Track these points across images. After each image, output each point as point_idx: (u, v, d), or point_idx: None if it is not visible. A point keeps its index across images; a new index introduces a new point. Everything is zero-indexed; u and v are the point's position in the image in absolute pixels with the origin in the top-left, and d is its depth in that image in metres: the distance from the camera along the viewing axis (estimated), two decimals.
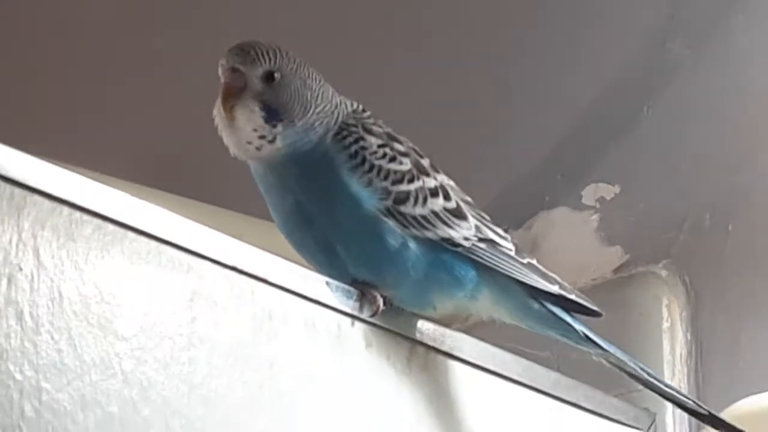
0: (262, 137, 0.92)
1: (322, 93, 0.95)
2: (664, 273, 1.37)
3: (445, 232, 0.95)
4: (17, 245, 0.69)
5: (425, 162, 0.97)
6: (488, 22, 1.46)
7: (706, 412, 1.03)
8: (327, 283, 0.89)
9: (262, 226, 1.09)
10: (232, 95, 0.92)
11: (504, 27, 1.46)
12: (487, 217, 0.99)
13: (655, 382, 1.03)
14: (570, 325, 1.00)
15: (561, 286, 0.99)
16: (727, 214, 1.34)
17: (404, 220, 0.93)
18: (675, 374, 1.32)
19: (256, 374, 0.81)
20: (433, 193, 0.96)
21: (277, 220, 0.95)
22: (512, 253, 0.98)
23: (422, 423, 0.95)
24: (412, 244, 0.93)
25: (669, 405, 1.21)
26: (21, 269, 0.69)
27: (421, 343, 0.96)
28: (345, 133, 0.94)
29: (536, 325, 1.00)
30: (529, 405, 1.05)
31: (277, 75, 0.93)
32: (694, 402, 1.04)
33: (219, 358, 0.79)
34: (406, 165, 0.95)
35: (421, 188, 0.95)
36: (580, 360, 1.10)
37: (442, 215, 0.95)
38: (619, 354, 1.02)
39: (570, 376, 1.10)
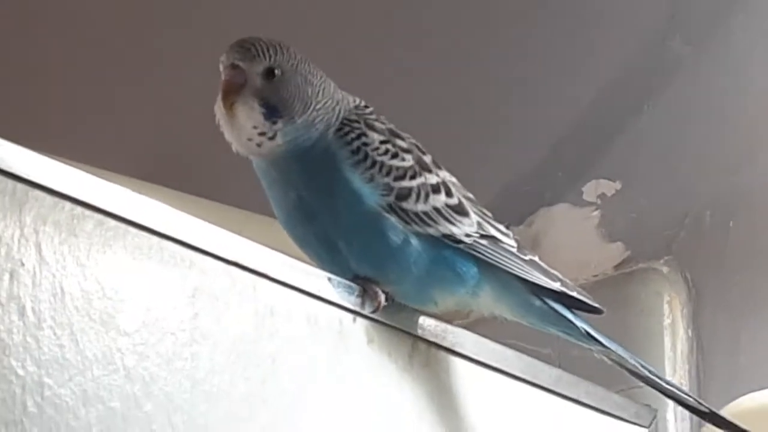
0: (262, 134, 0.92)
1: (323, 89, 0.95)
2: (665, 269, 1.37)
3: (446, 228, 0.95)
4: (19, 240, 0.69)
5: (427, 158, 0.97)
6: (489, 20, 1.46)
7: (706, 409, 1.03)
8: (329, 279, 0.89)
9: (263, 222, 1.09)
10: (233, 92, 0.92)
11: (505, 25, 1.47)
12: (489, 214, 0.99)
13: (656, 380, 1.03)
14: (571, 322, 1.00)
15: (562, 283, 0.99)
16: (727, 210, 1.34)
17: (406, 217, 0.93)
18: (676, 371, 1.33)
19: (258, 370, 0.81)
20: (435, 189, 0.96)
21: (279, 216, 0.96)
22: (514, 250, 0.98)
23: (424, 419, 0.95)
24: (413, 241, 0.93)
25: (670, 402, 1.21)
26: (23, 264, 0.69)
27: (423, 339, 0.95)
28: (347, 129, 0.94)
29: (538, 321, 1.01)
30: (531, 401, 1.05)
31: (277, 71, 0.92)
32: (694, 399, 1.04)
33: (221, 354, 0.79)
34: (409, 161, 0.95)
35: (423, 184, 0.95)
36: (582, 357, 1.10)
37: (444, 212, 0.95)
38: (620, 351, 1.02)
39: (571, 373, 1.10)
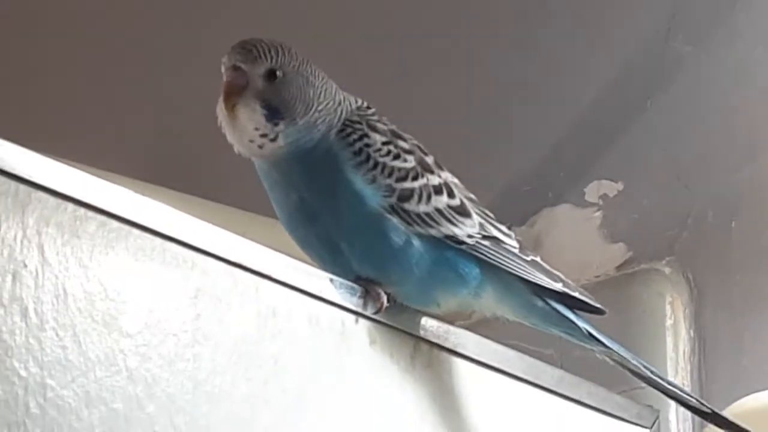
0: (263, 136, 0.92)
1: (325, 90, 0.95)
2: (667, 270, 1.37)
3: (449, 229, 0.95)
4: (22, 242, 0.69)
5: (429, 159, 0.97)
6: (491, 20, 1.46)
7: (709, 410, 1.03)
8: (331, 280, 0.89)
9: (266, 223, 1.09)
10: (234, 94, 0.92)
11: (507, 26, 1.47)
12: (491, 215, 0.99)
13: (658, 380, 1.03)
14: (573, 322, 1.00)
15: (565, 284, 0.99)
16: (730, 211, 1.34)
17: (408, 218, 0.93)
18: (678, 371, 1.33)
19: (260, 371, 0.81)
20: (437, 190, 0.96)
21: (281, 217, 0.96)
22: (516, 251, 0.98)
23: (426, 420, 0.95)
24: (416, 242, 0.93)
25: (672, 402, 1.21)
26: (26, 266, 0.69)
27: (425, 340, 0.96)
28: (349, 130, 0.94)
29: (540, 322, 1.01)
30: (533, 402, 1.05)
31: (278, 73, 0.92)
32: (697, 400, 1.04)
33: (223, 355, 0.79)
34: (411, 162, 0.95)
35: (425, 186, 0.95)
36: (584, 357, 1.10)
37: (446, 213, 0.95)
38: (622, 351, 1.02)
39: (573, 374, 1.10)
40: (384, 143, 0.94)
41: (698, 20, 1.38)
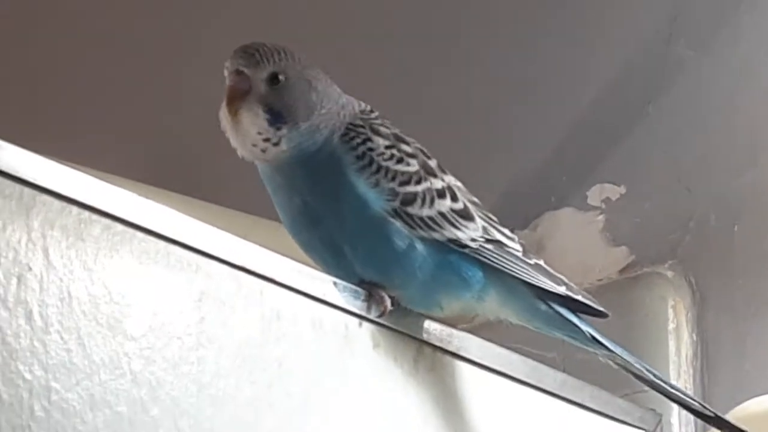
0: (266, 140, 0.92)
1: (328, 94, 0.95)
2: (669, 274, 1.37)
3: (452, 233, 0.95)
4: (27, 245, 0.69)
5: (432, 163, 0.97)
6: (493, 22, 1.46)
7: (711, 414, 1.03)
8: (335, 284, 0.89)
9: (269, 227, 1.09)
10: (237, 98, 0.92)
11: (508, 28, 1.47)
12: (495, 218, 0.99)
13: (662, 384, 1.03)
14: (577, 326, 1.00)
15: (568, 287, 0.99)
16: (732, 214, 1.34)
17: (411, 221, 0.93)
18: (680, 375, 1.32)
19: (264, 374, 0.81)
20: (441, 194, 0.96)
21: (284, 221, 0.96)
22: (519, 254, 0.98)
23: (429, 423, 0.95)
24: (419, 245, 0.93)
25: (675, 406, 1.21)
26: (30, 269, 0.69)
27: (428, 344, 0.96)
28: (352, 134, 0.94)
29: (543, 326, 1.01)
30: (536, 405, 1.05)
31: (281, 77, 0.92)
32: (699, 403, 1.04)
33: (227, 358, 0.79)
34: (414, 166, 0.95)
35: (429, 189, 0.95)
36: (586, 360, 1.10)
37: (449, 216, 0.95)
38: (625, 355, 1.02)
39: (576, 377, 1.10)
40: (387, 147, 0.94)
41: (700, 23, 1.38)
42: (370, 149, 0.93)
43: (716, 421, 1.03)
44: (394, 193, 0.93)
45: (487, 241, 0.97)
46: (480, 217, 0.97)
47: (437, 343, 0.96)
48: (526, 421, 1.04)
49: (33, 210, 0.70)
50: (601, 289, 1.37)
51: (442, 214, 0.95)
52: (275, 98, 0.92)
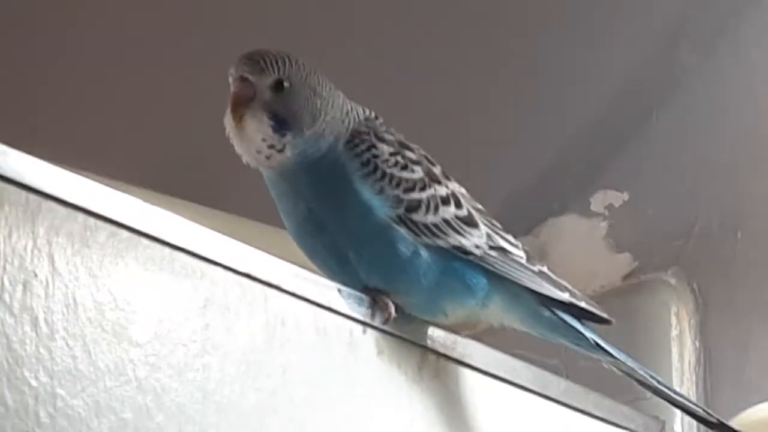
0: (271, 147, 0.92)
1: (333, 101, 0.95)
2: (672, 280, 1.37)
3: (456, 240, 0.95)
4: (32, 251, 0.69)
5: (437, 170, 0.97)
6: (497, 30, 1.46)
7: (715, 420, 1.03)
8: (339, 291, 0.89)
9: (274, 233, 1.09)
10: (241, 105, 0.92)
11: (512, 35, 1.47)
12: (499, 225, 0.99)
13: (665, 390, 1.03)
14: (581, 332, 1.00)
15: (571, 294, 1.00)
16: (735, 221, 1.34)
17: (416, 228, 0.93)
18: (683, 382, 1.32)
19: (269, 381, 0.81)
20: (445, 201, 0.96)
21: (289, 227, 0.96)
22: (523, 261, 0.98)
23: (433, 430, 0.95)
24: (423, 252, 0.93)
25: (678, 413, 1.21)
26: (36, 275, 0.69)
27: (432, 351, 0.96)
28: (357, 140, 0.94)
29: (547, 332, 1.01)
30: (539, 412, 1.05)
31: (286, 84, 0.93)
32: (703, 410, 1.04)
33: (232, 365, 0.79)
34: (418, 173, 0.95)
35: (433, 196, 0.95)
36: (589, 367, 1.10)
37: (453, 223, 0.95)
38: (629, 362, 1.02)
39: (578, 383, 1.10)
40: (392, 154, 0.94)
41: (704, 31, 1.39)
42: (375, 156, 0.94)
43: (720, 427, 1.03)
44: (399, 200, 0.93)
45: (492, 248, 0.97)
46: (484, 224, 0.98)
47: (441, 350, 0.96)
48: (529, 428, 1.04)
49: (39, 216, 0.70)
50: (604, 296, 1.37)
51: (446, 221, 0.95)
52: (280, 105, 0.92)
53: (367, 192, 0.92)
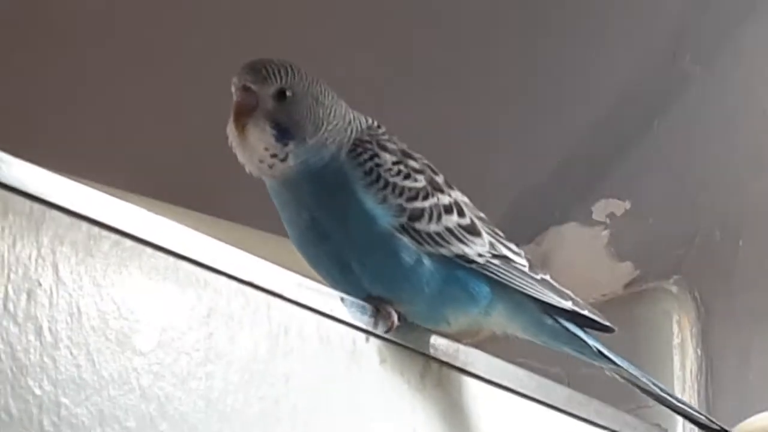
0: (273, 156, 0.92)
1: (335, 110, 0.95)
2: (674, 289, 1.37)
3: (459, 248, 0.95)
4: (36, 261, 0.69)
5: (439, 179, 0.97)
6: (498, 39, 1.47)
7: (718, 428, 1.04)
8: (342, 299, 0.89)
9: (277, 242, 1.09)
10: (244, 114, 0.92)
11: (513, 43, 1.47)
12: (501, 234, 1.00)
13: (668, 398, 1.04)
14: (583, 340, 1.00)
15: (574, 302, 1.00)
16: (737, 229, 1.34)
17: (419, 237, 0.93)
18: (685, 390, 1.32)
19: (272, 389, 0.81)
20: (448, 209, 0.96)
21: (292, 236, 0.96)
22: (526, 270, 0.98)
23: None
24: (426, 261, 0.93)
25: (680, 421, 1.21)
26: (40, 284, 0.69)
27: (435, 359, 0.96)
28: (360, 150, 0.94)
29: (550, 340, 1.01)
30: (542, 421, 1.05)
31: (288, 93, 0.93)
32: (706, 417, 1.04)
33: (235, 374, 0.79)
34: (421, 182, 0.95)
35: (436, 205, 0.95)
36: (591, 375, 1.10)
37: (456, 232, 0.95)
38: (632, 369, 1.02)
39: (580, 392, 1.10)
40: (394, 163, 0.95)
41: (705, 40, 1.39)
42: (378, 165, 0.94)
43: None
44: (402, 209, 0.93)
45: (494, 256, 0.97)
46: (487, 232, 0.98)
47: (444, 359, 0.96)
48: None
49: (43, 226, 0.70)
50: (605, 304, 1.37)
51: (449, 229, 0.95)
52: (282, 114, 0.93)
53: (370, 201, 0.93)
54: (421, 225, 0.94)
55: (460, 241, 0.95)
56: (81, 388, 0.70)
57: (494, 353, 1.02)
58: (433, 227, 0.94)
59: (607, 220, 1.45)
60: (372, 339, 0.91)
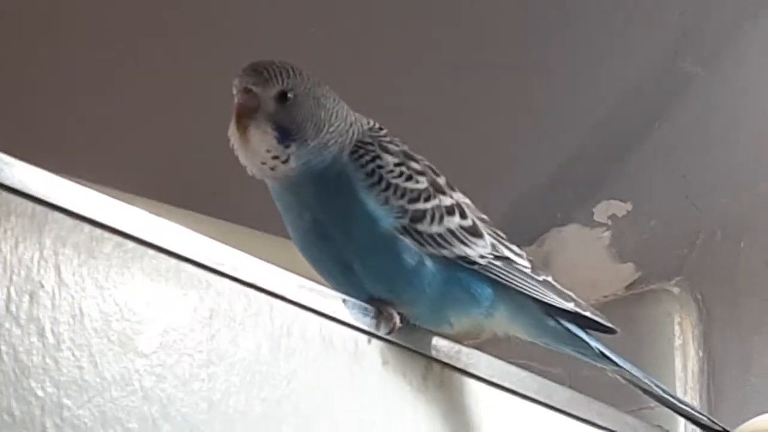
0: (275, 157, 0.92)
1: (337, 111, 0.96)
2: (676, 290, 1.37)
3: (461, 250, 0.95)
4: (39, 262, 0.69)
5: (441, 180, 0.97)
6: (501, 40, 1.47)
7: (720, 429, 1.03)
8: (344, 301, 0.89)
9: (279, 244, 1.09)
10: (246, 116, 0.92)
11: (515, 46, 1.47)
12: (503, 235, 1.00)
13: (670, 399, 1.04)
14: (586, 341, 1.00)
15: (576, 303, 1.00)
16: (738, 231, 1.35)
17: (421, 239, 0.93)
18: (687, 391, 1.33)
19: (274, 391, 0.81)
20: (450, 211, 0.96)
21: (294, 238, 0.96)
22: (528, 271, 0.98)
23: None
24: (428, 262, 0.93)
25: (682, 422, 1.21)
26: (42, 286, 0.69)
27: (437, 361, 0.96)
28: (362, 151, 0.94)
29: (552, 341, 1.01)
30: (544, 422, 1.05)
31: (290, 95, 0.93)
32: (708, 418, 1.04)
33: (237, 375, 0.79)
34: (423, 184, 0.95)
35: (438, 206, 0.95)
36: (593, 376, 1.10)
37: (458, 233, 0.95)
38: (634, 370, 1.02)
39: (582, 393, 1.10)
40: (396, 164, 0.95)
41: (707, 41, 1.39)
42: (380, 167, 0.94)
43: None
44: (404, 211, 0.93)
45: (496, 257, 0.97)
46: (489, 234, 0.98)
47: (446, 360, 0.96)
48: None
49: (45, 227, 0.70)
50: (607, 306, 1.38)
51: (451, 231, 0.95)
52: (284, 116, 0.93)
53: (371, 202, 0.93)
54: (423, 226, 0.94)
55: (462, 242, 0.95)
56: (83, 389, 0.70)
57: (496, 354, 1.02)
58: (435, 229, 0.94)
59: (609, 222, 1.45)
60: (374, 340, 0.91)
